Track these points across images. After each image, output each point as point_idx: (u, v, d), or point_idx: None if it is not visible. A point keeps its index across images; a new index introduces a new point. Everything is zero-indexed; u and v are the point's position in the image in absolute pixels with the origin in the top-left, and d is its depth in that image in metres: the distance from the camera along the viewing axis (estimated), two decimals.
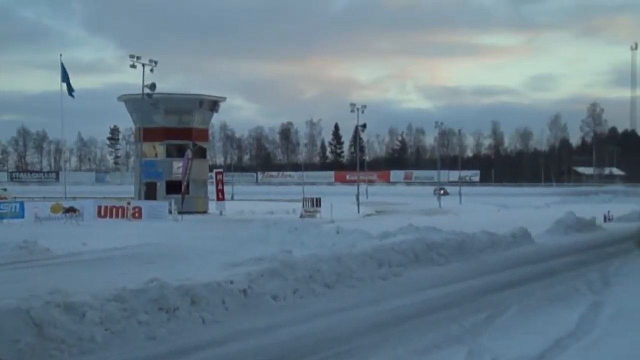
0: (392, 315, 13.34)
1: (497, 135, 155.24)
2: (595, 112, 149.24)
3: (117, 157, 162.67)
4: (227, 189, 63.51)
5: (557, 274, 18.66)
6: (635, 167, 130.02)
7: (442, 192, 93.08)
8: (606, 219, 42.02)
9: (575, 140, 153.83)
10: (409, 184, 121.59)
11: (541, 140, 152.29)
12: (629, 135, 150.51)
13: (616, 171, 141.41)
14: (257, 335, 11.60)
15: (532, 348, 9.99)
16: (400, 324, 12.43)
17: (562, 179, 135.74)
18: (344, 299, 15.00)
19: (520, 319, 12.28)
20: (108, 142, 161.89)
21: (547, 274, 18.70)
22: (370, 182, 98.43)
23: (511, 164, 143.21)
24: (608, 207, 49.92)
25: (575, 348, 10.09)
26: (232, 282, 13.70)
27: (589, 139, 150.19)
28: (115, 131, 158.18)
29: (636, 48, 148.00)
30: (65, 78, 58.76)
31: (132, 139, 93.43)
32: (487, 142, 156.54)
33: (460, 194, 79.35)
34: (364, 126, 73.42)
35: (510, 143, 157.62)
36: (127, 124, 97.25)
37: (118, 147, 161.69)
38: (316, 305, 14.32)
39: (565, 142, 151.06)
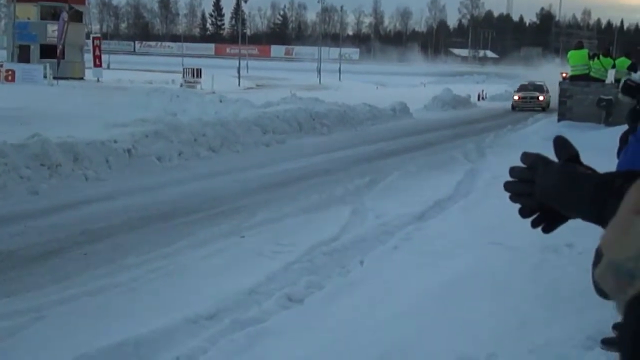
0: (277, 178, 13.49)
1: (377, 13, 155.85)
2: None
3: None
4: (104, 58, 61.50)
5: (435, 145, 19.23)
6: (507, 50, 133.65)
7: None
8: (480, 97, 43.23)
9: (452, 22, 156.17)
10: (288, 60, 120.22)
11: (420, 21, 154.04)
12: (504, 18, 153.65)
13: (490, 54, 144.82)
14: (142, 193, 11.55)
15: (414, 207, 10.36)
16: (286, 186, 12.61)
17: (438, 60, 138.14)
18: (229, 162, 15.09)
19: (401, 182, 12.66)
20: None
21: (426, 145, 19.24)
22: (251, 56, 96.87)
23: (390, 43, 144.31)
24: (482, 87, 51.24)
25: (454, 208, 10.54)
26: (115, 142, 13.53)
27: (465, 22, 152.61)
28: None
29: None
30: None
31: (4, 0, 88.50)
32: (368, 20, 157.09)
33: (339, 71, 79.42)
34: None
35: (389, 22, 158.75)
36: None
37: None
38: (201, 167, 14.35)
39: (442, 24, 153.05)
